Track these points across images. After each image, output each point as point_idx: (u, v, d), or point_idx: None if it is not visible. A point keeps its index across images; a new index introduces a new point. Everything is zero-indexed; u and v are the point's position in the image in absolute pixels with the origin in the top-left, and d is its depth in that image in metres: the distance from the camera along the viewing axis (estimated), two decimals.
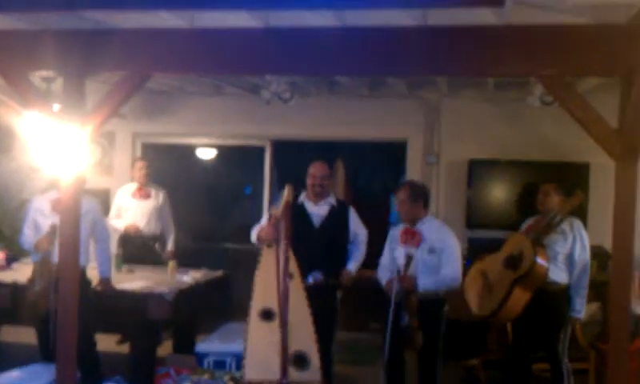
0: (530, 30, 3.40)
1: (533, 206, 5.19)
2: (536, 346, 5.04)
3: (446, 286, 4.58)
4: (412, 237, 4.59)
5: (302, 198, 5.00)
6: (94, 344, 5.11)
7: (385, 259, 4.84)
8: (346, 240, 5.00)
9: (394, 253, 4.71)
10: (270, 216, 4.52)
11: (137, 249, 6.76)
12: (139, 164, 7.04)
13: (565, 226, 4.83)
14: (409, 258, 4.43)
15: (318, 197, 4.97)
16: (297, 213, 4.83)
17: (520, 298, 4.67)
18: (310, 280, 4.72)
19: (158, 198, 7.02)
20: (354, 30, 3.80)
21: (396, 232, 4.78)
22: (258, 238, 4.70)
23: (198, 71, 4.57)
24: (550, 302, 4.79)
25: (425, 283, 4.45)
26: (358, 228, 5.14)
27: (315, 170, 5.00)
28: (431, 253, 4.55)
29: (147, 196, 6.96)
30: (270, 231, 4.47)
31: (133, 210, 6.91)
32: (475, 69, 3.63)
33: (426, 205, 4.75)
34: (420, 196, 4.72)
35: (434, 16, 3.87)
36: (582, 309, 4.88)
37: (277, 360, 3.84)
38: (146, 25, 4.07)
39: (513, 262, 4.74)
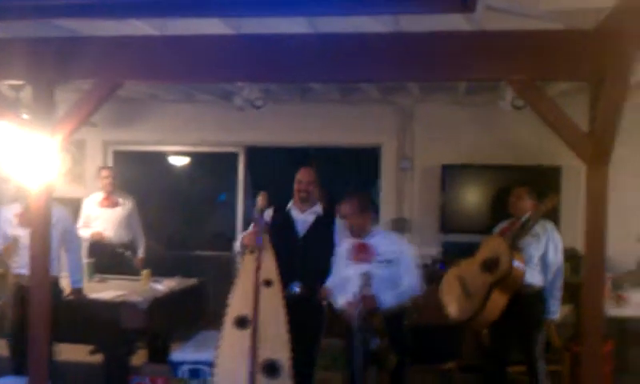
0: (501, 35, 3.42)
1: (505, 210, 5.23)
2: (512, 348, 5.06)
3: (408, 296, 4.35)
4: (364, 252, 4.35)
5: (290, 205, 4.94)
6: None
7: (335, 280, 4.52)
8: (329, 252, 4.90)
9: (346, 271, 4.40)
10: (255, 223, 4.52)
11: (107, 258, 6.67)
12: (104, 172, 6.96)
13: (538, 228, 4.87)
14: (366, 277, 4.09)
15: (304, 203, 4.89)
16: (283, 220, 4.81)
17: (498, 301, 4.69)
18: (296, 289, 4.65)
19: (125, 206, 6.94)
20: (326, 37, 3.79)
21: (344, 248, 4.52)
22: (242, 243, 4.65)
23: (170, 79, 4.53)
24: (526, 304, 4.81)
25: (386, 300, 4.18)
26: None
27: (301, 175, 4.94)
28: (388, 265, 4.31)
29: (115, 204, 6.88)
30: (251, 237, 4.48)
31: (101, 219, 6.83)
32: (447, 74, 3.64)
33: (372, 216, 4.56)
34: (368, 207, 4.52)
35: (405, 22, 3.89)
36: (557, 310, 4.91)
37: (247, 368, 3.83)
38: (118, 32, 4.03)
39: (489, 265, 4.76)
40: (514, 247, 4.73)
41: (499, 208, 6.77)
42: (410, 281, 4.33)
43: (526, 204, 5.01)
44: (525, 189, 5.08)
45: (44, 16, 3.65)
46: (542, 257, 4.89)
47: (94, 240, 6.73)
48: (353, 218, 4.44)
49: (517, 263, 4.67)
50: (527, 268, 4.76)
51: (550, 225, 4.96)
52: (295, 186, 4.91)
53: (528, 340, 4.91)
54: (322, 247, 4.83)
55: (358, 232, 4.44)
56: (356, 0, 2.40)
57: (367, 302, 4.09)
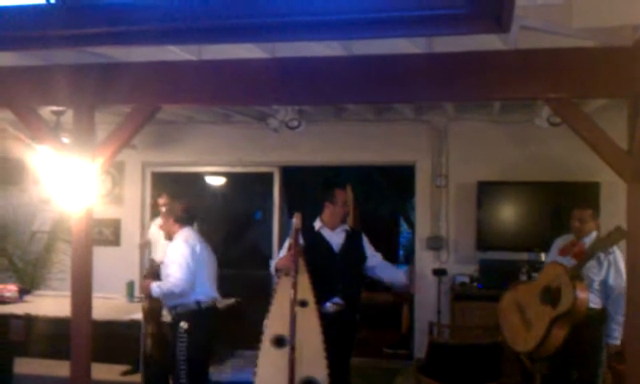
0: (536, 54, 3.41)
1: (562, 228, 5.14)
2: (574, 372, 4.92)
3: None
4: None
5: (318, 225, 5.00)
6: None
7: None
8: (362, 264, 5.00)
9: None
10: (290, 246, 4.58)
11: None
12: (160, 201, 7.00)
13: (600, 252, 4.73)
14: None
15: (338, 223, 4.99)
16: (315, 240, 4.86)
17: (559, 334, 4.56)
18: (330, 306, 4.71)
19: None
20: (360, 59, 3.82)
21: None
22: (276, 268, 4.72)
23: (207, 103, 4.61)
24: (586, 327, 4.67)
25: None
26: (373, 254, 5.10)
27: (343, 195, 5.05)
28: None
29: None
30: (286, 261, 4.54)
31: (158, 240, 6.92)
32: (482, 94, 3.64)
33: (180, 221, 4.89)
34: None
35: (439, 43, 3.89)
36: (619, 335, 4.75)
37: None
38: (155, 58, 4.11)
39: (550, 296, 4.61)
40: (577, 277, 4.58)
41: (536, 225, 6.73)
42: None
43: (590, 227, 4.91)
44: (588, 212, 4.97)
45: (84, 44, 3.74)
46: (602, 281, 4.78)
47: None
48: None
49: (580, 294, 4.51)
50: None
51: (612, 248, 4.76)
52: (343, 209, 4.98)
53: (589, 365, 4.81)
54: (357, 261, 4.98)
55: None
56: (389, 23, 2.41)
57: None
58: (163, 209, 6.89)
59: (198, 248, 4.84)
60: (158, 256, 6.79)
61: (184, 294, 4.69)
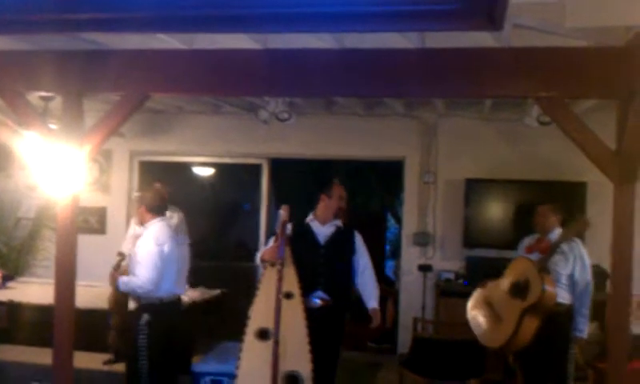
0: (528, 53, 3.41)
1: (529, 225, 5.18)
2: (546, 368, 4.93)
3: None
4: None
5: (309, 218, 4.99)
6: None
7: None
8: (350, 260, 4.95)
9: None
10: (276, 238, 4.57)
11: None
12: (157, 187, 6.99)
13: (564, 246, 4.82)
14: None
15: (329, 217, 4.97)
16: (303, 233, 4.84)
17: (530, 326, 4.59)
18: (317, 301, 4.69)
19: (172, 219, 7.00)
20: (352, 52, 3.81)
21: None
22: (262, 258, 4.71)
23: (197, 92, 4.57)
24: (555, 323, 4.73)
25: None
26: (363, 255, 5.00)
27: (343, 191, 5.02)
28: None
29: None
30: (272, 251, 4.53)
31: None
32: (473, 91, 3.63)
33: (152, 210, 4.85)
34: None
35: (431, 38, 3.89)
36: (586, 328, 4.87)
37: (268, 380, 3.83)
38: (145, 46, 4.08)
39: (519, 290, 4.67)
40: (544, 270, 4.66)
41: (523, 224, 6.75)
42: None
43: (551, 221, 4.96)
44: (549, 206, 5.04)
45: (73, 30, 3.71)
46: (569, 275, 4.84)
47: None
48: None
49: (548, 287, 4.58)
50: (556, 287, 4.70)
51: (577, 243, 4.90)
52: (339, 203, 4.96)
53: (559, 359, 4.84)
54: (343, 257, 4.93)
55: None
56: (382, 17, 2.40)
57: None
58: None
59: (166, 247, 4.75)
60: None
61: (148, 294, 4.64)
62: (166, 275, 4.69)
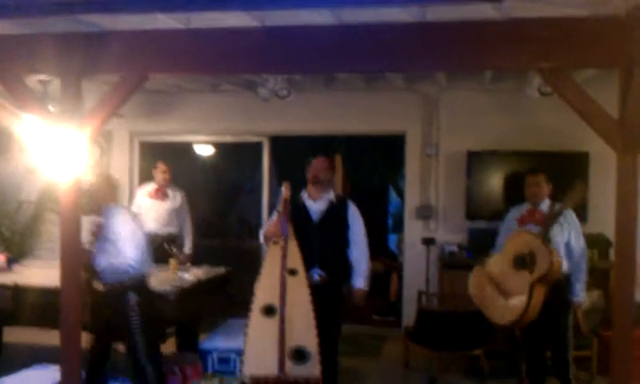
0: (529, 23, 3.38)
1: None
2: (547, 336, 4.95)
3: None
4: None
5: (303, 195, 5.01)
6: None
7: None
8: (344, 236, 4.97)
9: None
10: (278, 213, 4.59)
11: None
12: (161, 167, 7.03)
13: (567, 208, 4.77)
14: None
15: (318, 191, 4.96)
16: (297, 209, 4.84)
17: (539, 296, 4.57)
18: (316, 277, 4.71)
19: (174, 199, 7.02)
20: (351, 27, 3.76)
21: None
22: (265, 235, 4.72)
23: (196, 71, 4.55)
24: (554, 291, 4.70)
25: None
26: (356, 231, 4.97)
27: (316, 162, 5.02)
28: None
29: (164, 197, 6.97)
30: (275, 228, 4.54)
31: (147, 209, 6.90)
32: (475, 63, 3.60)
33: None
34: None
35: (432, 11, 3.86)
36: (583, 293, 4.87)
37: (275, 354, 3.86)
38: (142, 26, 4.06)
39: (524, 262, 4.62)
40: (547, 239, 4.63)
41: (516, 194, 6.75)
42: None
43: (544, 191, 4.95)
44: (542, 175, 5.00)
45: (71, 12, 3.69)
46: (566, 243, 4.85)
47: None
48: None
49: (555, 257, 4.56)
50: None
51: (568, 210, 4.83)
52: (309, 174, 4.99)
53: (559, 326, 4.86)
54: (337, 232, 4.93)
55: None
56: None
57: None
58: (163, 175, 6.91)
59: (139, 226, 4.78)
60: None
61: (137, 272, 4.62)
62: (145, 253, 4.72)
